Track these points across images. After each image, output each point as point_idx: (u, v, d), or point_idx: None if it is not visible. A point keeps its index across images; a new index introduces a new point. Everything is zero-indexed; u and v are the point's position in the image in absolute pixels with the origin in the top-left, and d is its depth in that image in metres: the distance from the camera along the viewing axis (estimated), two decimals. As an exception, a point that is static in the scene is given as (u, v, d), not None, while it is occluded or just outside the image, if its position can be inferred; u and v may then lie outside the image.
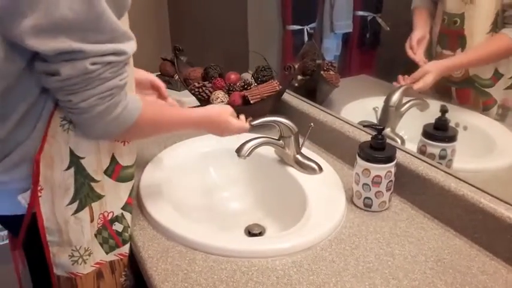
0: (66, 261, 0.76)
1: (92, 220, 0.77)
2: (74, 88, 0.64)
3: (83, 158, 0.73)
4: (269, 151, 1.07)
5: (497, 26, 0.92)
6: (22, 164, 0.71)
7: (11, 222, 0.78)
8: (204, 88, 1.29)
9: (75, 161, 0.72)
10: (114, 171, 0.78)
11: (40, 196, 0.71)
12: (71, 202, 0.73)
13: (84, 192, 0.74)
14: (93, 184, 0.75)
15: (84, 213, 0.75)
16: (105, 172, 0.77)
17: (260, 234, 0.99)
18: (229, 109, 0.93)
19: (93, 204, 0.76)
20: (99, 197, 0.77)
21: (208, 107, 0.92)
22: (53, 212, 0.73)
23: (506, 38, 0.91)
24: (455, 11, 0.97)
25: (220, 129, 0.91)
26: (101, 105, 0.66)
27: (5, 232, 2.03)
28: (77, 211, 0.74)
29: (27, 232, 0.75)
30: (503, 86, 0.94)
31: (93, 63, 0.63)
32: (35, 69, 0.65)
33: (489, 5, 0.92)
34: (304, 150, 1.04)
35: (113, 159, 0.77)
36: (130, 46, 0.67)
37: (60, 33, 0.60)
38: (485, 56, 0.96)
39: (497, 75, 0.95)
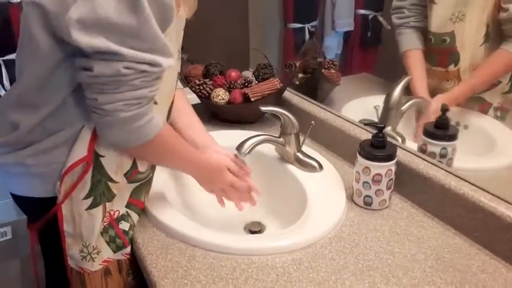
0: (77, 255, 0.78)
1: (103, 220, 0.78)
2: (102, 88, 0.65)
3: (102, 156, 0.73)
4: (270, 149, 1.06)
5: (489, 36, 0.92)
6: (51, 151, 0.72)
7: (27, 204, 0.80)
8: (204, 85, 1.29)
9: (94, 157, 0.73)
10: (132, 174, 0.79)
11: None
12: (87, 197, 0.74)
13: (100, 190, 0.75)
14: (110, 184, 0.76)
15: (97, 211, 0.76)
16: (125, 175, 0.78)
17: (260, 231, 0.99)
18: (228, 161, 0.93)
19: (107, 204, 0.77)
20: (113, 197, 0.78)
21: (213, 156, 0.92)
22: (71, 202, 0.74)
23: (508, 54, 0.91)
24: (443, 30, 0.97)
25: (215, 176, 0.91)
26: (126, 112, 0.66)
27: (5, 229, 2.03)
28: (90, 207, 0.75)
29: (46, 221, 0.76)
30: (501, 90, 0.94)
31: (127, 68, 0.63)
32: (75, 65, 0.66)
33: (480, 20, 0.92)
34: (304, 148, 1.04)
35: (134, 163, 0.78)
36: (167, 61, 0.67)
37: (101, 32, 0.61)
38: (492, 77, 0.95)
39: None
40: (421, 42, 1.04)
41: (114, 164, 0.75)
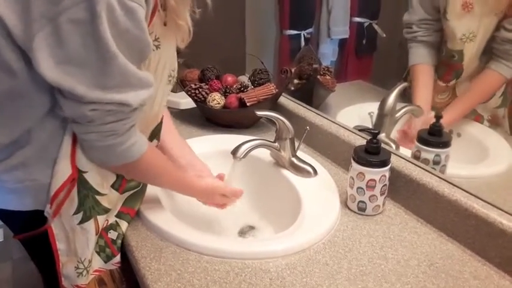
0: (72, 273, 0.76)
1: (97, 233, 0.77)
2: (76, 120, 0.66)
3: (85, 172, 0.72)
4: (265, 154, 1.07)
5: (486, 52, 0.95)
6: (22, 167, 0.70)
7: (5, 216, 0.78)
8: (200, 90, 1.29)
9: (78, 173, 0.72)
10: (122, 185, 0.79)
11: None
12: (76, 212, 0.73)
13: (89, 204, 0.74)
14: (98, 197, 0.75)
15: (90, 225, 0.75)
16: (113, 186, 0.77)
17: (254, 236, 0.99)
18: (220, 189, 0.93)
19: (98, 217, 0.76)
20: (106, 210, 0.77)
21: (208, 182, 0.92)
22: (61, 219, 0.73)
23: (497, 75, 0.94)
24: (453, 47, 0.99)
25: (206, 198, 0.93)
26: (102, 142, 0.67)
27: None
28: (82, 221, 0.74)
29: (39, 245, 0.75)
30: (494, 105, 0.96)
31: (94, 109, 0.63)
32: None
33: (485, 37, 0.95)
34: (299, 154, 1.04)
35: (119, 174, 0.78)
36: (138, 96, 0.65)
37: (69, 69, 0.60)
38: (481, 99, 0.98)
39: None
40: (429, 57, 1.04)
41: (99, 177, 0.74)
